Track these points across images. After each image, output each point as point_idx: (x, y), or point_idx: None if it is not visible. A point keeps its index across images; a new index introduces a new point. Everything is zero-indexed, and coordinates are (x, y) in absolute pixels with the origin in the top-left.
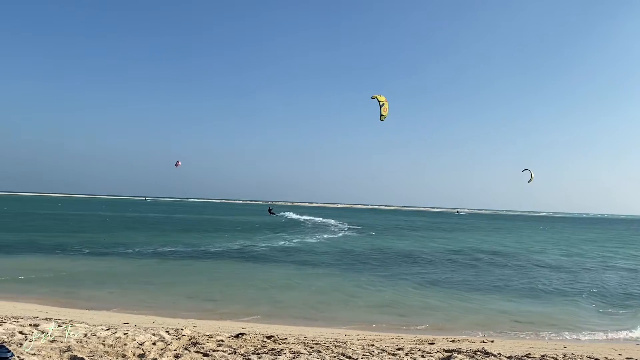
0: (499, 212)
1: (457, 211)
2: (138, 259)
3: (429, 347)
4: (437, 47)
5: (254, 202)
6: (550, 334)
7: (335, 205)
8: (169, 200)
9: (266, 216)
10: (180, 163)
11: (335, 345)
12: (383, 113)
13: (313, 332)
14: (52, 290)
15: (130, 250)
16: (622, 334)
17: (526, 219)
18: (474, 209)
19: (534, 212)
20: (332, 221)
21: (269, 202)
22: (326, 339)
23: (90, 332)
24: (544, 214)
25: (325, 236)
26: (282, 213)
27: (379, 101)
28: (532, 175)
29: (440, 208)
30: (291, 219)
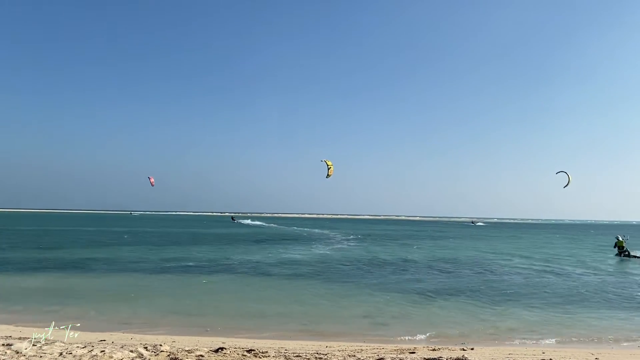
0: (514, 220)
1: (472, 221)
2: (116, 274)
3: (410, 357)
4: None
5: (229, 213)
6: (530, 340)
7: (312, 216)
8: (154, 214)
9: (235, 226)
10: (152, 180)
11: (316, 358)
12: (329, 174)
13: (294, 345)
14: (25, 308)
15: (110, 266)
16: (600, 338)
17: (539, 227)
18: (488, 218)
19: (532, 219)
20: (322, 231)
21: (236, 213)
22: (307, 351)
23: (66, 351)
24: (553, 222)
25: (317, 247)
26: (240, 221)
27: (327, 165)
28: (570, 178)
29: (456, 217)
30: (272, 229)
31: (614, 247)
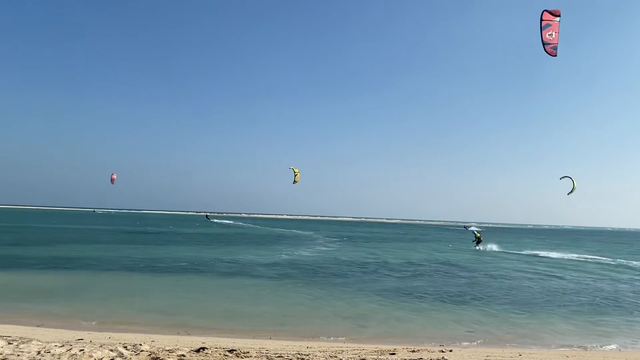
0: (511, 225)
1: (465, 226)
2: (92, 273)
3: (390, 358)
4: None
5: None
6: (506, 342)
7: (291, 217)
8: (119, 212)
9: (212, 226)
10: (114, 176)
11: (297, 358)
12: (296, 180)
13: (275, 345)
14: None
15: (84, 264)
16: (574, 341)
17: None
18: (484, 222)
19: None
20: (303, 232)
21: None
22: (288, 352)
23: (44, 349)
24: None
25: (298, 248)
26: (216, 220)
27: (294, 172)
28: (575, 184)
29: (446, 221)
30: (255, 231)
31: (473, 240)
